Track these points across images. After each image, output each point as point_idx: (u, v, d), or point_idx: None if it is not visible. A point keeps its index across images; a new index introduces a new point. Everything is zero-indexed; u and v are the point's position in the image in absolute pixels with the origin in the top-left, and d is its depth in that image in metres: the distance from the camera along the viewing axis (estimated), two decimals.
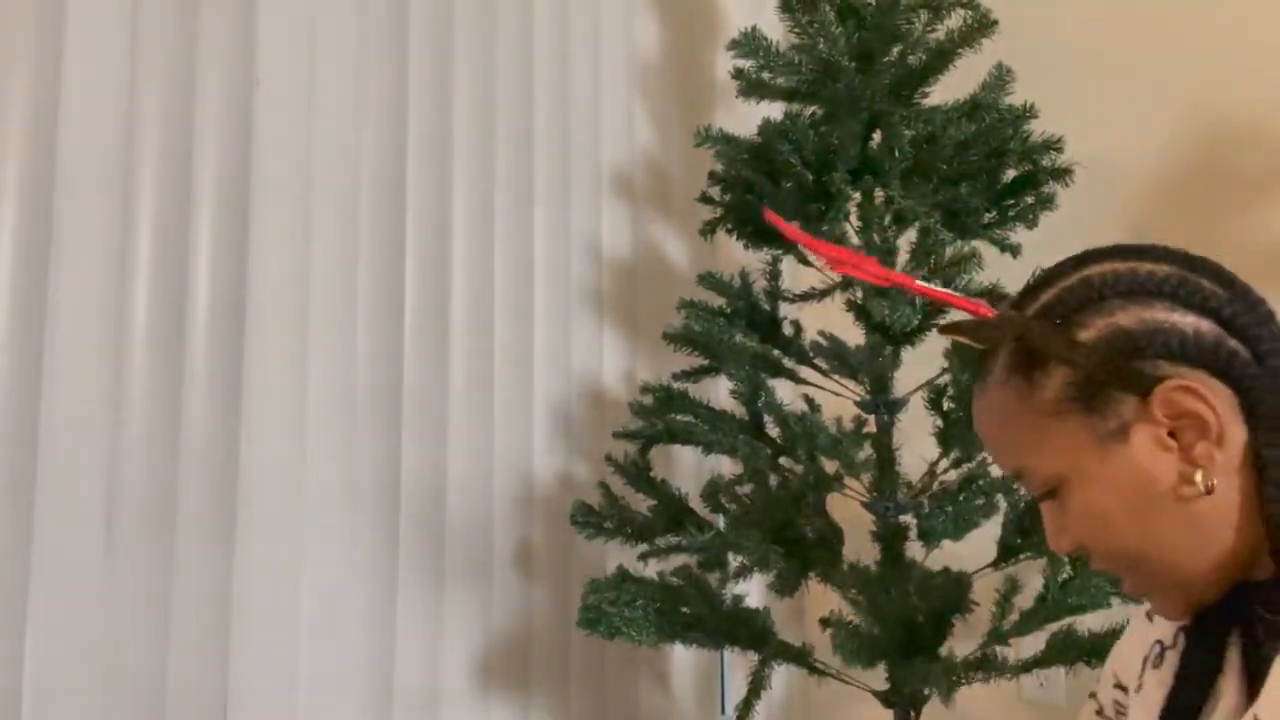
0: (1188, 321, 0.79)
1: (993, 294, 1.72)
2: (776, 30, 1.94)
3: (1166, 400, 0.78)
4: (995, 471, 1.74)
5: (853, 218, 1.86)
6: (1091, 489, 0.81)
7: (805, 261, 1.95)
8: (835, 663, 1.74)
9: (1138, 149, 2.06)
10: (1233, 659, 0.82)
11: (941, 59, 1.83)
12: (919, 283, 0.88)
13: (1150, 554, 0.80)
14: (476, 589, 1.93)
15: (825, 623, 1.71)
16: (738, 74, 1.92)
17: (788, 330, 1.90)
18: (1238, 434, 0.78)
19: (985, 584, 1.71)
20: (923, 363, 1.82)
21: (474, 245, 1.99)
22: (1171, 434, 0.79)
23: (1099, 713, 0.99)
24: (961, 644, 1.71)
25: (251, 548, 1.65)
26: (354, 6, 1.86)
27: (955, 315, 1.15)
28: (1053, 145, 1.82)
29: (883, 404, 1.81)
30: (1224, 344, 0.79)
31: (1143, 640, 0.92)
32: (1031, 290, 0.86)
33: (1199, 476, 0.77)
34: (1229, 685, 0.81)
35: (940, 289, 0.87)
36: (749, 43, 1.86)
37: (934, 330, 1.80)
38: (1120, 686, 0.95)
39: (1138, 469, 0.79)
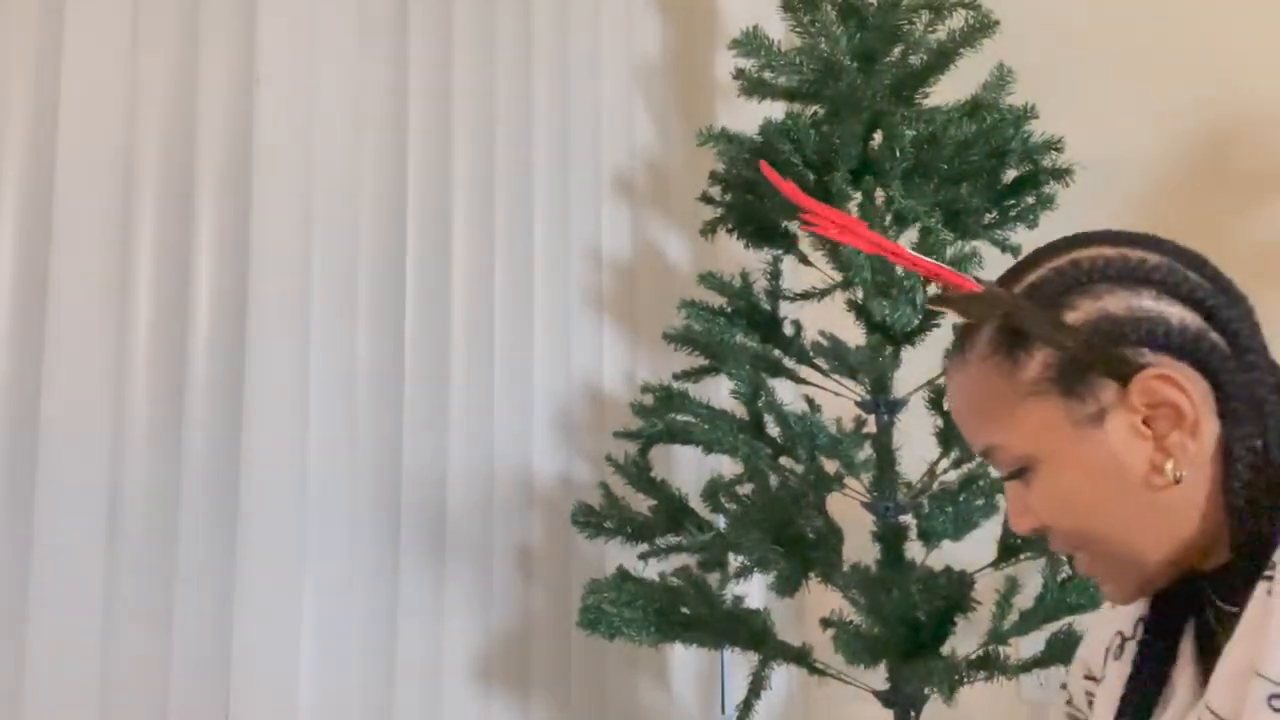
0: (1173, 312, 0.79)
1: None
2: (778, 30, 1.94)
3: (1145, 388, 0.78)
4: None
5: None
6: (1061, 472, 0.81)
7: (806, 261, 1.95)
8: (835, 663, 1.74)
9: (1138, 149, 2.06)
10: (1186, 650, 0.83)
11: (943, 59, 1.83)
12: (909, 252, 0.86)
13: (1112, 538, 0.80)
14: (477, 589, 1.93)
15: (826, 623, 1.71)
16: (739, 73, 1.92)
17: (788, 330, 1.90)
18: (1211, 426, 0.78)
19: (985, 584, 1.71)
20: (923, 363, 1.82)
21: (474, 245, 1.99)
22: (1146, 422, 0.78)
23: (1069, 703, 0.98)
24: (961, 644, 1.71)
25: (253, 549, 1.65)
26: (354, 5, 1.86)
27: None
28: (1053, 145, 1.83)
29: (883, 404, 1.81)
30: (1206, 337, 0.79)
31: (1107, 630, 0.93)
32: (1020, 269, 0.86)
33: (1169, 466, 0.78)
34: (1183, 676, 0.82)
35: (928, 260, 0.86)
36: (750, 42, 1.86)
37: (934, 330, 1.80)
38: (1090, 677, 0.96)
39: (1110, 455, 0.79)
